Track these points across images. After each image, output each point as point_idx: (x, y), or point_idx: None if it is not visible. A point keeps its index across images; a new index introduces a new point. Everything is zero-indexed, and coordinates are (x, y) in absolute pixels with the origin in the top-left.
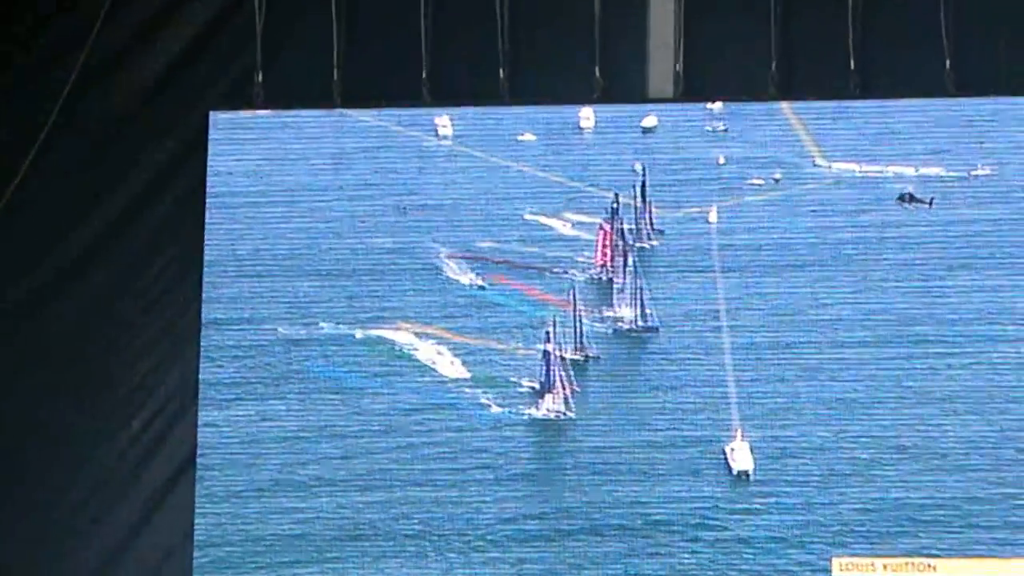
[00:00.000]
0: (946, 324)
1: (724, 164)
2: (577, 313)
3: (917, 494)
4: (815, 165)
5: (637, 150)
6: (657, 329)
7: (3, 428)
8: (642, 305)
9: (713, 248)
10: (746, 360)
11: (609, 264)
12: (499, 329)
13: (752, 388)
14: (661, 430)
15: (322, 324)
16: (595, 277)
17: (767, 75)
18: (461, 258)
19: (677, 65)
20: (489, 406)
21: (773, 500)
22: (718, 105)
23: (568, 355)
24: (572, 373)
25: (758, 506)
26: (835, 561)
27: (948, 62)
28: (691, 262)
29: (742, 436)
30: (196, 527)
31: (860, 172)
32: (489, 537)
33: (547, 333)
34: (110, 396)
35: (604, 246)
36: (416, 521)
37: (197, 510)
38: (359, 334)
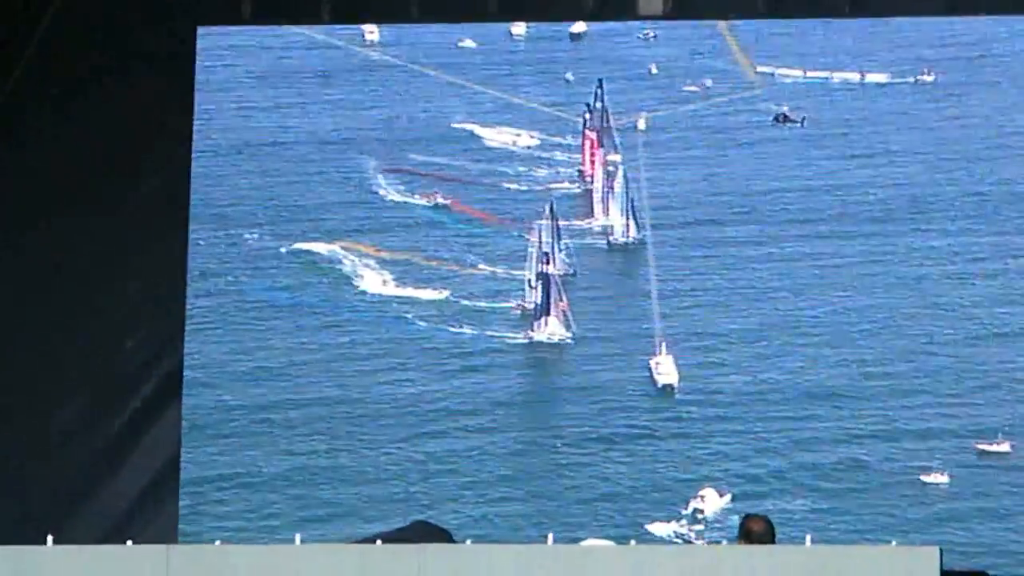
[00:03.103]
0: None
1: (656, 73)
2: (556, 228)
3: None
4: (756, 72)
5: (571, 59)
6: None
7: None
8: (634, 214)
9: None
10: (669, 274)
11: (599, 172)
12: (433, 245)
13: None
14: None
15: (247, 236)
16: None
17: None
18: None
19: None
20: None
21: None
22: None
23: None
24: (564, 294)
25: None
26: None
27: None
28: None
29: (666, 350)
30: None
31: (805, 78)
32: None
33: (546, 255)
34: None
35: (591, 154)
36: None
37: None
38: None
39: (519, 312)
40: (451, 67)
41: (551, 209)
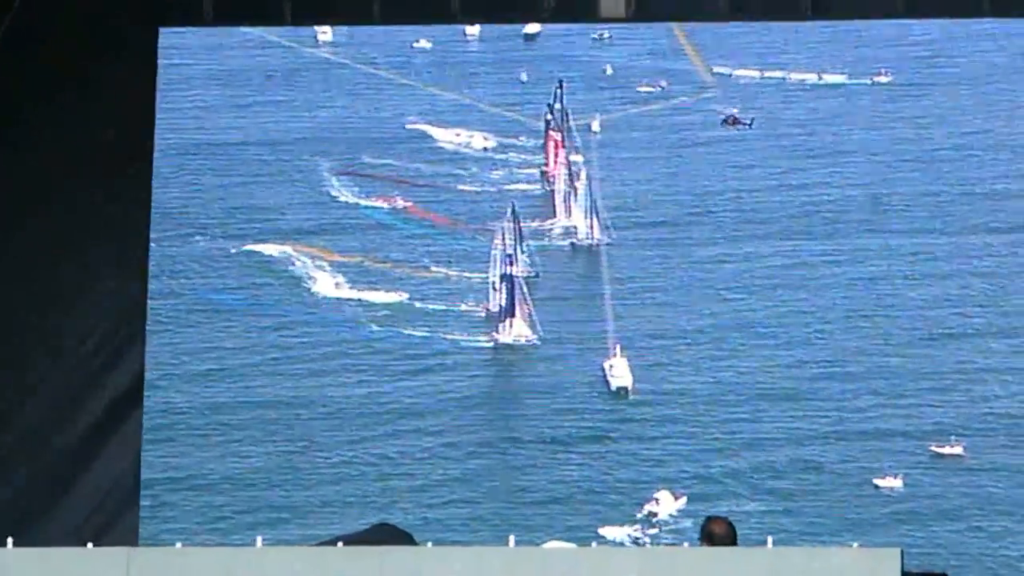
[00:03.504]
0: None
1: (611, 74)
2: (519, 230)
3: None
4: (713, 74)
5: (526, 59)
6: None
7: None
8: (597, 215)
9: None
10: (624, 275)
11: (562, 172)
12: (388, 248)
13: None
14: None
15: (198, 237)
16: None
17: None
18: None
19: None
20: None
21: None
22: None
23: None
24: (528, 296)
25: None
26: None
27: None
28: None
29: (620, 352)
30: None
31: (761, 78)
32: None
33: (509, 257)
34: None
35: (555, 154)
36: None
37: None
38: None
39: (484, 314)
40: (405, 68)
41: (513, 211)
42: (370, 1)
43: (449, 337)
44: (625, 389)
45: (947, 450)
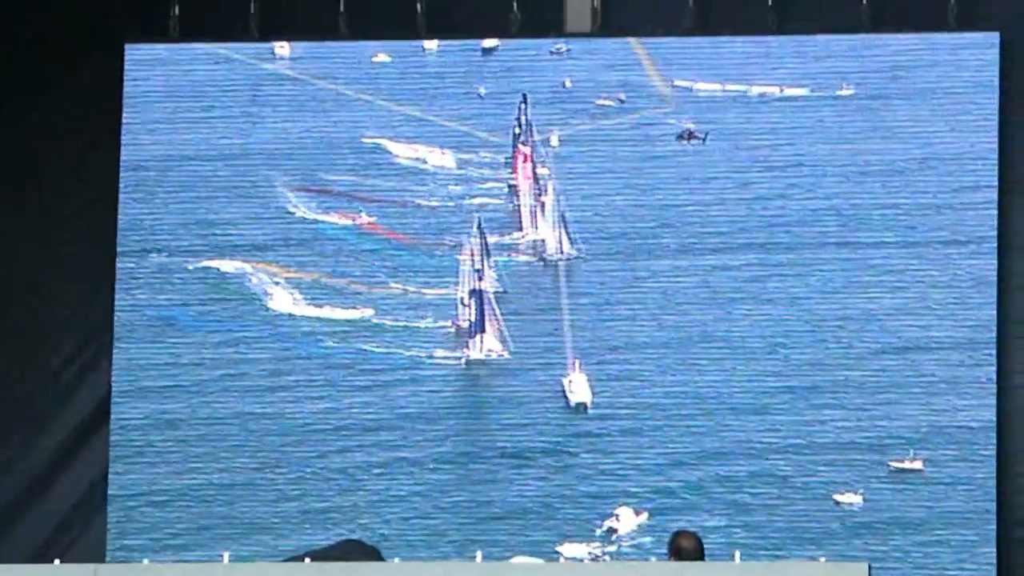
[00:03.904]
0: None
1: (570, 87)
2: (486, 245)
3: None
4: (674, 87)
5: (484, 74)
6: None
7: None
8: (566, 228)
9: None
10: (584, 289)
11: (530, 186)
12: (346, 264)
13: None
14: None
15: (152, 253)
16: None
17: (684, 10)
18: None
19: (595, 0)
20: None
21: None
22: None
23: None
24: (498, 310)
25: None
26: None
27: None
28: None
29: (579, 368)
30: None
31: (723, 92)
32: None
33: (477, 272)
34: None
35: (525, 168)
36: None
37: None
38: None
39: (454, 330)
40: (363, 82)
41: (479, 225)
42: (337, 18)
43: (408, 353)
44: (584, 405)
45: (907, 464)
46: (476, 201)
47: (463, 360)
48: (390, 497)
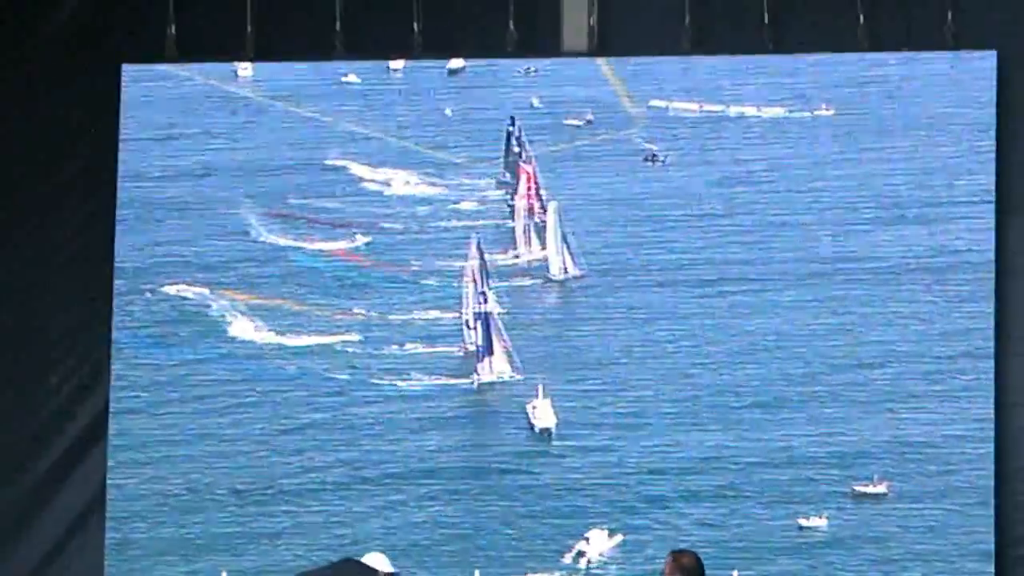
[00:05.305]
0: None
1: (538, 106)
2: (485, 266)
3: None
4: (649, 107)
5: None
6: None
7: None
8: (570, 251)
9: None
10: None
11: (536, 208)
12: (312, 291)
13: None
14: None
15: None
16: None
17: (680, 30)
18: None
19: (591, 19)
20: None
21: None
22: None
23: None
24: (504, 332)
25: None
26: None
27: (861, 18)
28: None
29: (543, 393)
30: None
31: (700, 112)
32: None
33: (482, 295)
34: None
35: (529, 189)
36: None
37: None
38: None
39: (462, 354)
40: (328, 103)
41: (479, 246)
42: (332, 38)
43: (374, 381)
44: (548, 431)
45: (870, 489)
46: (440, 223)
47: (475, 384)
48: (346, 519)
